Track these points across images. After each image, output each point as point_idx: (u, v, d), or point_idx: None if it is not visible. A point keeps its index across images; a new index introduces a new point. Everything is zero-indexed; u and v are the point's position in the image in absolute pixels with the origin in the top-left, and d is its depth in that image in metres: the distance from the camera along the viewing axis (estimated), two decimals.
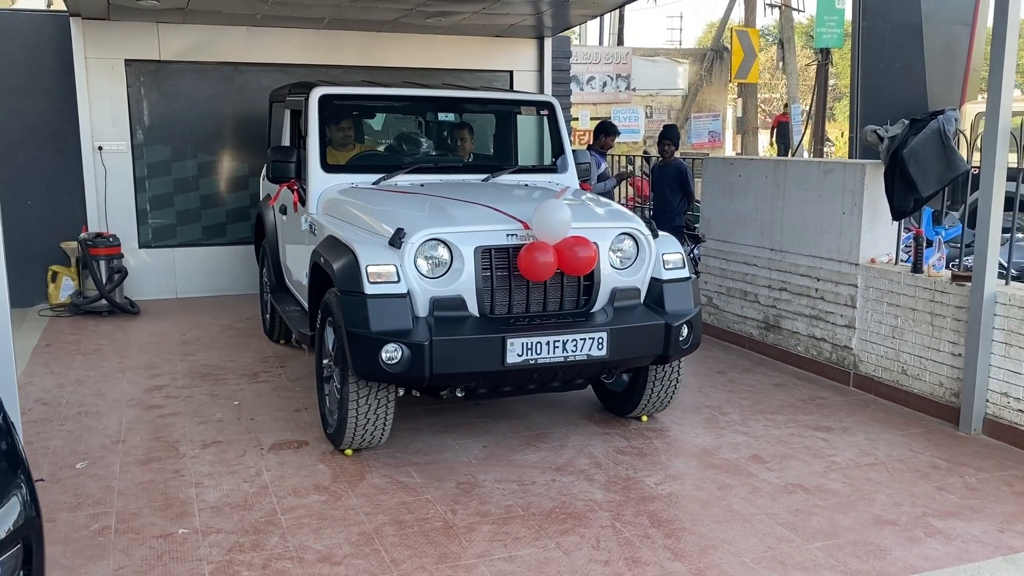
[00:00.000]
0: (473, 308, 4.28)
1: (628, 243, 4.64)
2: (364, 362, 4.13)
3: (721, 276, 7.28)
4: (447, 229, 4.31)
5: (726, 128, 26.07)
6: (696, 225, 8.22)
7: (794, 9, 23.87)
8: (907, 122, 5.58)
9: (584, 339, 4.29)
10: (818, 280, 6.20)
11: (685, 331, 4.57)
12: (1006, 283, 4.98)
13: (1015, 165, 5.06)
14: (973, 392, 4.98)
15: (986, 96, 4.96)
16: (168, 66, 8.61)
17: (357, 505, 4.04)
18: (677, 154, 7.88)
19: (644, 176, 10.48)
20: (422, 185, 5.31)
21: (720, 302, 7.31)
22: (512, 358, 4.17)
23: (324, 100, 5.62)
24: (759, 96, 28.49)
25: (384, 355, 4.07)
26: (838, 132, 28.94)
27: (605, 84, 22.88)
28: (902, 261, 5.76)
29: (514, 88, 9.64)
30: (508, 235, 4.33)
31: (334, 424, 4.64)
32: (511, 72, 9.82)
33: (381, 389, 4.39)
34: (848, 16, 18.05)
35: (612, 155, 9.50)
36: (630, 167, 10.31)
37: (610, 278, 4.53)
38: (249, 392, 5.74)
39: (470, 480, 4.34)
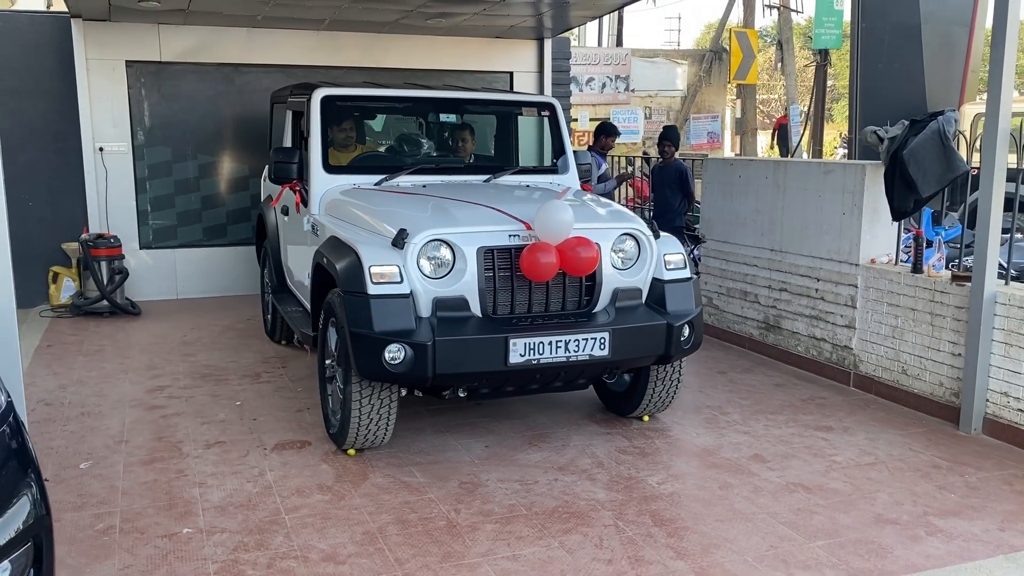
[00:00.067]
0: (476, 308, 4.30)
1: (630, 244, 4.66)
2: (367, 362, 4.15)
3: (721, 276, 7.30)
4: (450, 230, 4.33)
5: (725, 129, 26.09)
6: (696, 226, 8.23)
7: (793, 10, 23.87)
8: (907, 123, 5.61)
9: (586, 339, 4.31)
10: (818, 280, 6.22)
11: (686, 331, 4.59)
12: (1006, 283, 4.99)
13: (1015, 166, 5.08)
14: (973, 392, 4.99)
15: (985, 97, 4.98)
16: (169, 67, 8.62)
17: (360, 505, 4.05)
18: (677, 155, 7.90)
19: (644, 177, 10.48)
20: (424, 186, 5.33)
21: (720, 302, 7.33)
22: (515, 358, 4.19)
23: (327, 101, 5.64)
24: (758, 97, 28.54)
25: (387, 355, 4.08)
26: (835, 133, 29.00)
27: (604, 85, 22.89)
28: (902, 261, 5.78)
29: (514, 89, 9.66)
30: (510, 236, 4.35)
31: (337, 424, 4.66)
32: (511, 73, 9.85)
33: (384, 389, 4.40)
34: (847, 17, 18.08)
35: (612, 156, 9.52)
36: (630, 168, 10.33)
37: (612, 278, 4.55)
38: (251, 392, 5.75)
39: (473, 480, 4.35)
